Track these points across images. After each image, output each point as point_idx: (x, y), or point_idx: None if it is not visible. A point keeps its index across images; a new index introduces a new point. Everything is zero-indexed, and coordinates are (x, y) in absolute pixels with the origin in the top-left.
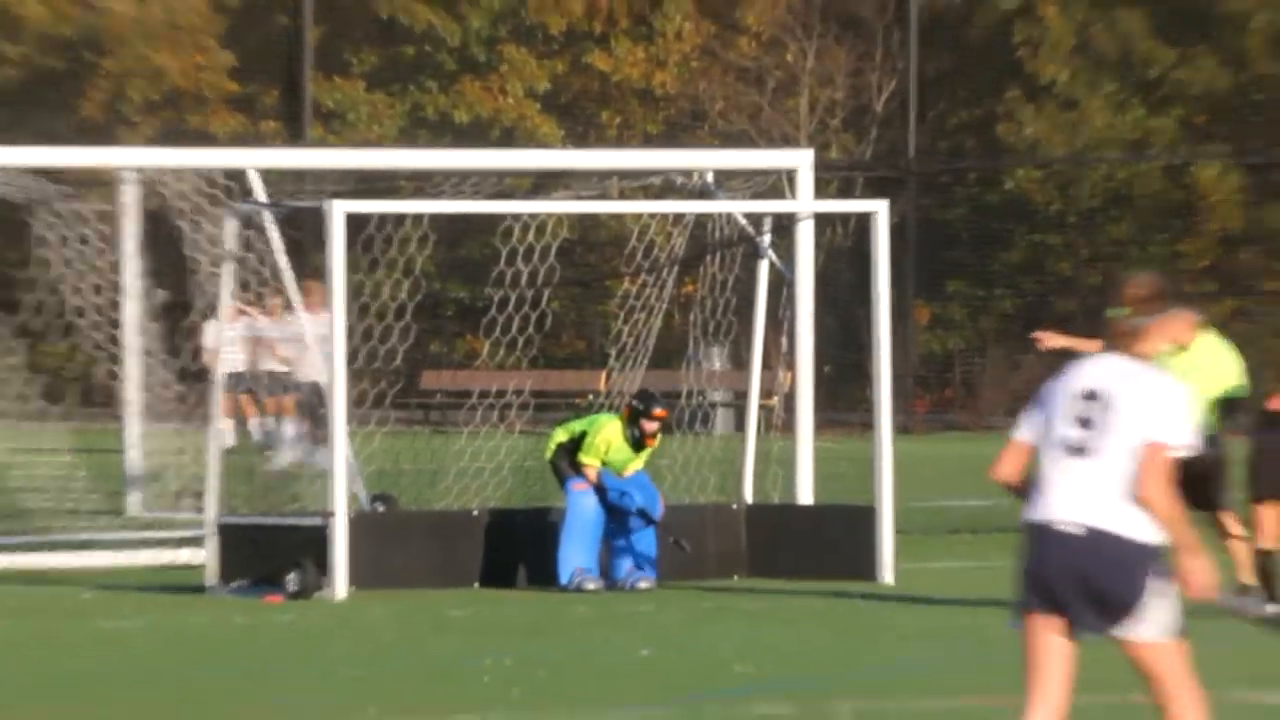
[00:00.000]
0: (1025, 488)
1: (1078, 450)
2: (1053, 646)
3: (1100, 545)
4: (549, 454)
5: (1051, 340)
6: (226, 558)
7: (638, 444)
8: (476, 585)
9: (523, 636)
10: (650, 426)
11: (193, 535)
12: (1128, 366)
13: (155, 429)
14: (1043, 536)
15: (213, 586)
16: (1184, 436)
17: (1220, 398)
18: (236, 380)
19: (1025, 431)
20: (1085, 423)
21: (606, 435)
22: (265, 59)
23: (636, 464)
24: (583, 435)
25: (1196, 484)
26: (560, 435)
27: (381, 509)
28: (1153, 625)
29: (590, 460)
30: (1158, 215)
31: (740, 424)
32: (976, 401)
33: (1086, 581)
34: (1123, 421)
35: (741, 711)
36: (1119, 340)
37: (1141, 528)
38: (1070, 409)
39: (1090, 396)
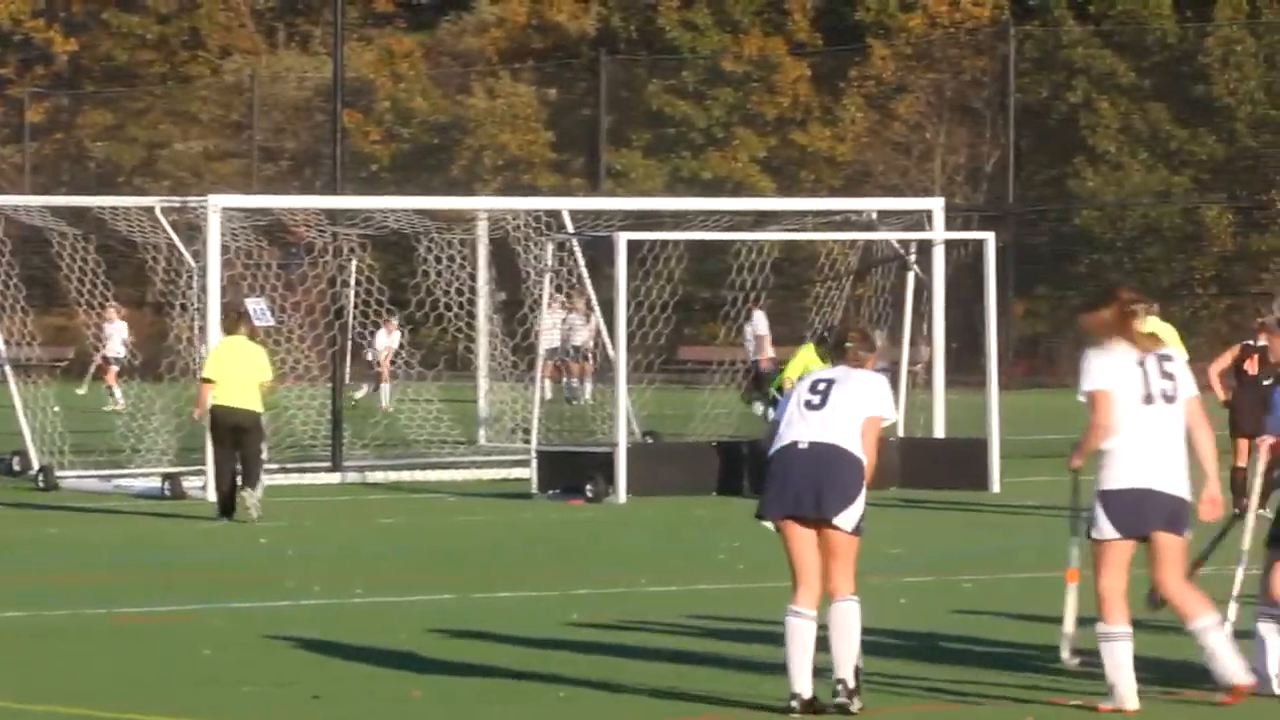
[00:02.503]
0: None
1: (817, 407)
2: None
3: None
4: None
5: None
6: (544, 474)
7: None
8: (714, 494)
9: (744, 527)
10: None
11: (522, 459)
12: (850, 372)
13: (496, 385)
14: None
15: (535, 494)
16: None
17: None
18: (553, 353)
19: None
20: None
21: (802, 356)
22: (574, 136)
23: None
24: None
25: None
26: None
27: (650, 441)
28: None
29: (788, 374)
30: (1177, 242)
31: (895, 383)
32: (1055, 368)
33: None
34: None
35: (894, 581)
36: (851, 359)
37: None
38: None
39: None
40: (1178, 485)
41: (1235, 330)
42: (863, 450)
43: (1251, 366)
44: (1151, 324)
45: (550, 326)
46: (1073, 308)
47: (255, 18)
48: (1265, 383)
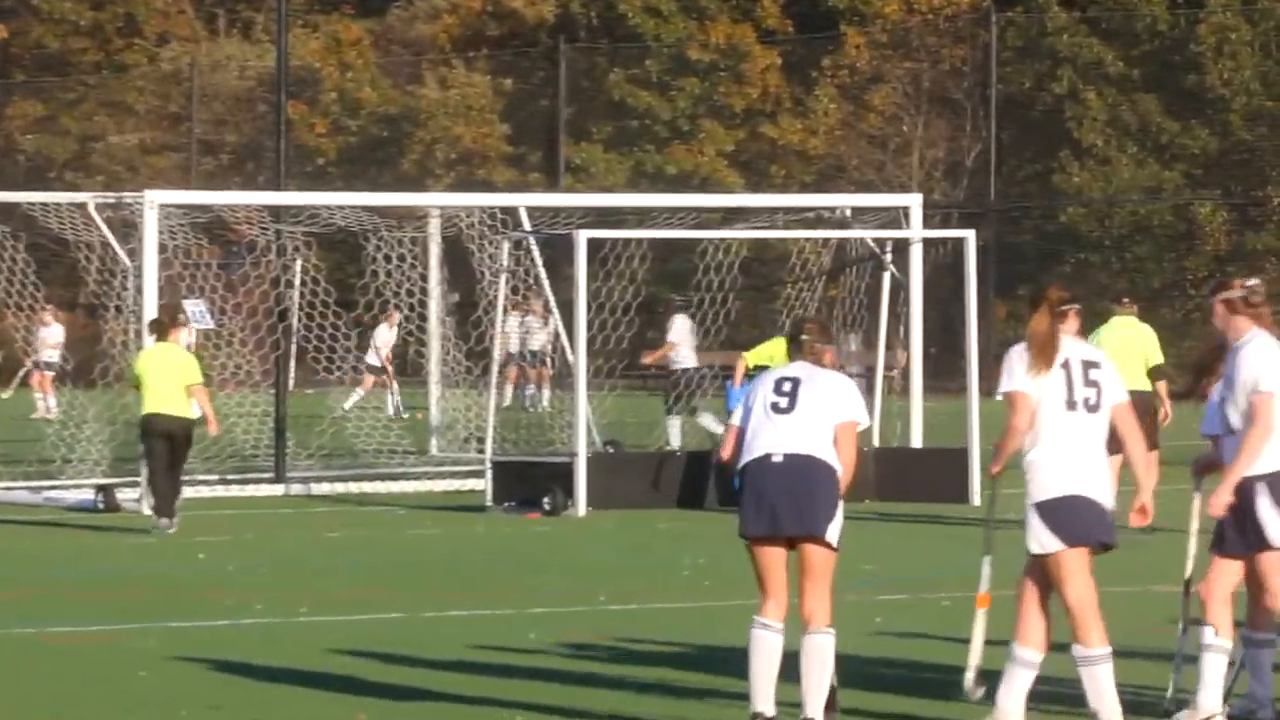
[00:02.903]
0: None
1: (785, 410)
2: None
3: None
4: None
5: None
6: (499, 485)
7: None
8: (678, 507)
9: (710, 542)
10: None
11: (476, 469)
12: (813, 369)
13: (449, 392)
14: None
15: (490, 506)
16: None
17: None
18: (512, 358)
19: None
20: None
21: (771, 346)
22: (532, 129)
23: None
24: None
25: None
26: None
27: (611, 450)
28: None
29: (746, 355)
30: (1168, 240)
31: (870, 389)
32: None
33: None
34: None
35: (869, 599)
36: (808, 352)
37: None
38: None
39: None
40: (1103, 495)
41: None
42: (840, 459)
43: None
44: (1128, 325)
45: (510, 330)
46: None
47: (194, 3)
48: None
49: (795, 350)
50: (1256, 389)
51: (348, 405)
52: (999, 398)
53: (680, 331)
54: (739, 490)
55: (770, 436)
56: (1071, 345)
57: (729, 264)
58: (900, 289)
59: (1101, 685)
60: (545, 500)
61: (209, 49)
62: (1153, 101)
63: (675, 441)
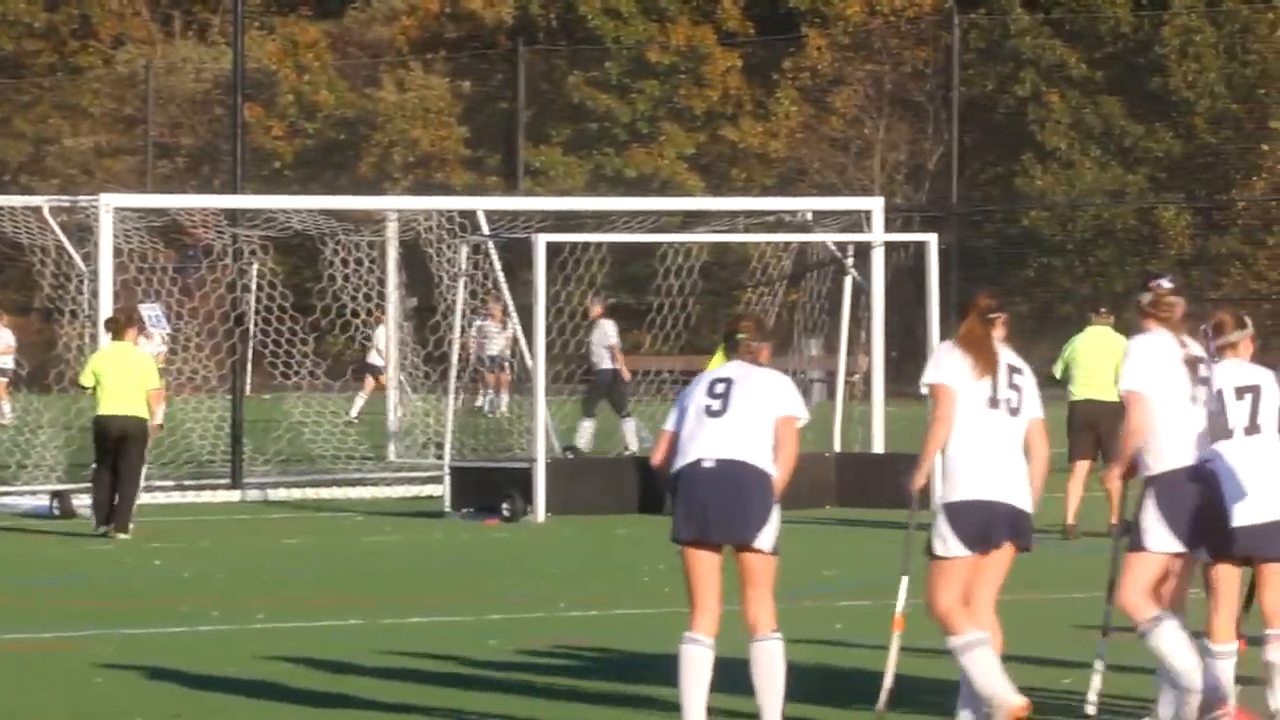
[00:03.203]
0: None
1: (718, 413)
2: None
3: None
4: None
5: None
6: (458, 491)
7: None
8: (638, 512)
9: (671, 549)
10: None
11: (434, 475)
12: (748, 368)
13: (407, 397)
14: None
15: (448, 512)
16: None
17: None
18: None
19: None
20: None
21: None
22: (490, 132)
23: None
24: None
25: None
26: None
27: (570, 456)
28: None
29: (711, 366)
30: (1131, 244)
31: (831, 394)
32: None
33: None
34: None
35: (830, 605)
36: (743, 351)
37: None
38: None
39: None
40: (1020, 498)
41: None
42: (781, 455)
43: None
44: (1104, 335)
45: (476, 335)
46: (1020, 314)
47: (150, 5)
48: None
49: (731, 350)
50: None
51: (354, 412)
52: (923, 389)
53: (613, 335)
54: (673, 496)
55: (703, 441)
56: (1000, 350)
57: (689, 268)
58: (862, 293)
59: (985, 665)
60: (504, 506)
61: (164, 51)
62: (1116, 104)
63: (585, 442)
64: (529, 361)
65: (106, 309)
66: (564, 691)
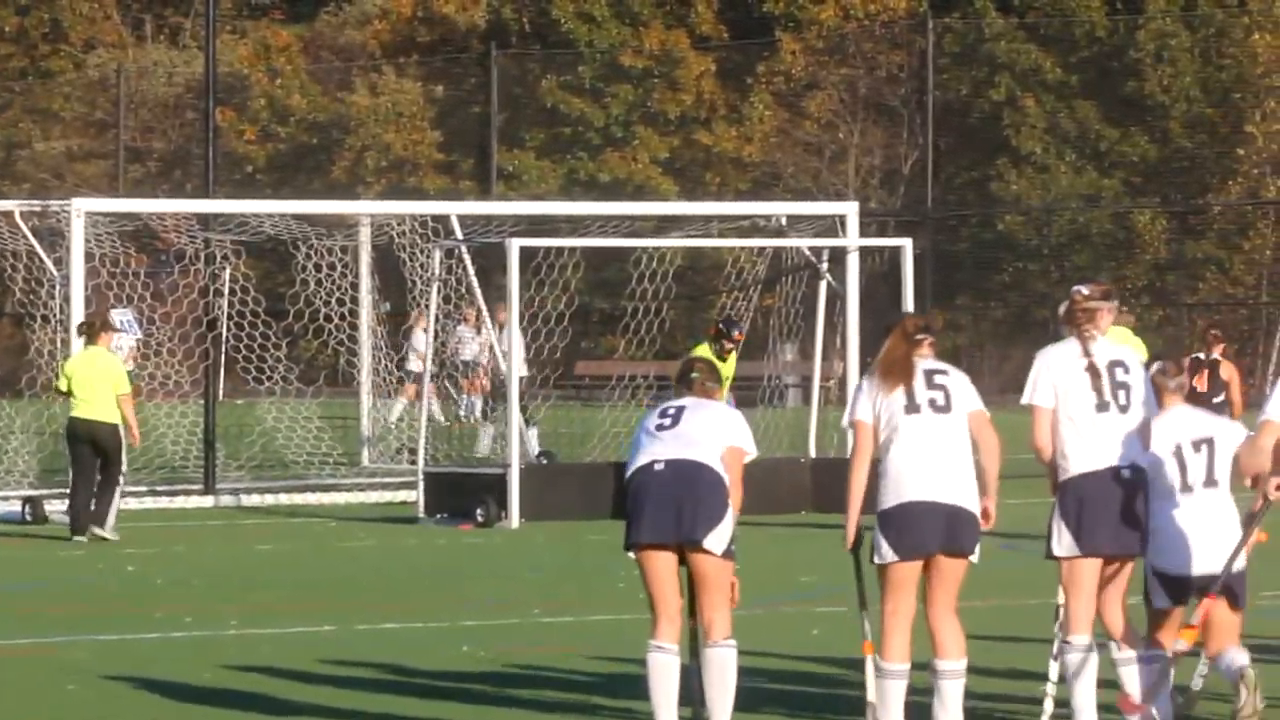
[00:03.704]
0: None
1: (669, 428)
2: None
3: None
4: None
5: None
6: (432, 496)
7: (720, 356)
8: (612, 518)
9: None
10: (729, 344)
11: (408, 481)
12: (701, 400)
13: (381, 403)
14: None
15: (422, 518)
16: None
17: None
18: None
19: None
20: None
21: (698, 351)
22: (463, 136)
23: (728, 374)
24: None
25: None
26: None
27: (545, 462)
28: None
29: None
30: (1107, 248)
31: (806, 399)
32: (978, 383)
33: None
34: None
35: (807, 610)
36: (698, 389)
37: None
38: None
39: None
40: (959, 496)
41: (1170, 344)
42: (731, 489)
43: (1200, 383)
44: (1122, 335)
45: (458, 340)
46: (996, 319)
47: (121, 9)
48: (1216, 400)
49: (685, 389)
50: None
51: (392, 417)
52: (845, 425)
53: (423, 343)
54: (626, 503)
55: (653, 449)
56: (915, 361)
57: (663, 272)
58: (837, 298)
59: (890, 700)
60: (479, 511)
61: (136, 55)
62: (1091, 108)
63: (485, 447)
64: (503, 367)
65: (78, 314)
66: (538, 698)
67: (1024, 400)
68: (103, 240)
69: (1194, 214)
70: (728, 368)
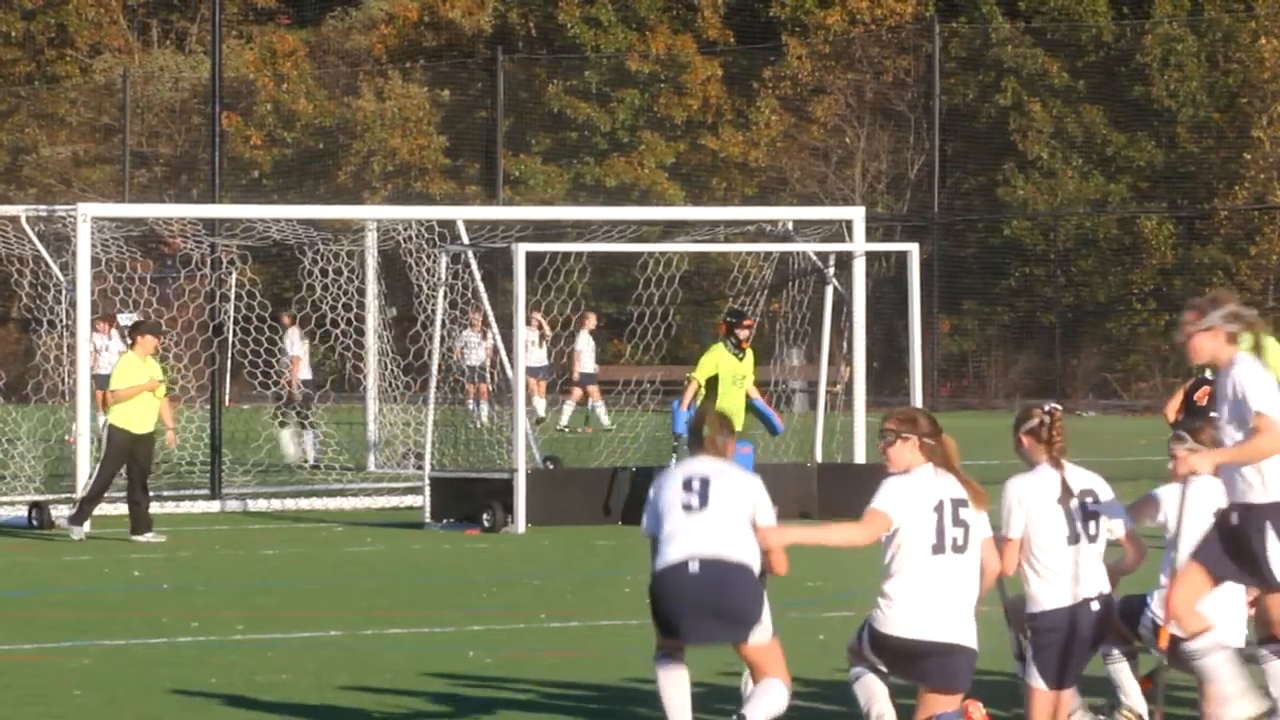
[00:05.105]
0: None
1: (697, 509)
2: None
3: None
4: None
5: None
6: (438, 502)
7: (738, 350)
8: (619, 523)
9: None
10: (742, 333)
11: (415, 486)
12: (721, 464)
13: (387, 407)
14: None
15: (428, 523)
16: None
17: None
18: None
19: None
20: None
21: (713, 355)
22: (469, 141)
23: (747, 372)
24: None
25: None
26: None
27: (551, 466)
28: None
29: (694, 375)
30: (1114, 253)
31: (812, 404)
32: (984, 388)
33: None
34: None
35: (814, 616)
36: (709, 447)
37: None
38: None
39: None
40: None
41: (1176, 349)
42: (774, 563)
43: (1202, 399)
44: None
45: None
46: (1002, 324)
47: (127, 14)
48: (1214, 415)
49: (697, 445)
50: None
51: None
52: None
53: (299, 346)
54: (652, 594)
55: (685, 542)
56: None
57: (669, 277)
58: (843, 303)
59: None
60: (485, 516)
61: (142, 60)
62: (1098, 113)
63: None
64: (509, 372)
65: (85, 320)
66: (545, 703)
67: (1001, 533)
68: (109, 245)
69: (1201, 219)
70: (745, 365)
